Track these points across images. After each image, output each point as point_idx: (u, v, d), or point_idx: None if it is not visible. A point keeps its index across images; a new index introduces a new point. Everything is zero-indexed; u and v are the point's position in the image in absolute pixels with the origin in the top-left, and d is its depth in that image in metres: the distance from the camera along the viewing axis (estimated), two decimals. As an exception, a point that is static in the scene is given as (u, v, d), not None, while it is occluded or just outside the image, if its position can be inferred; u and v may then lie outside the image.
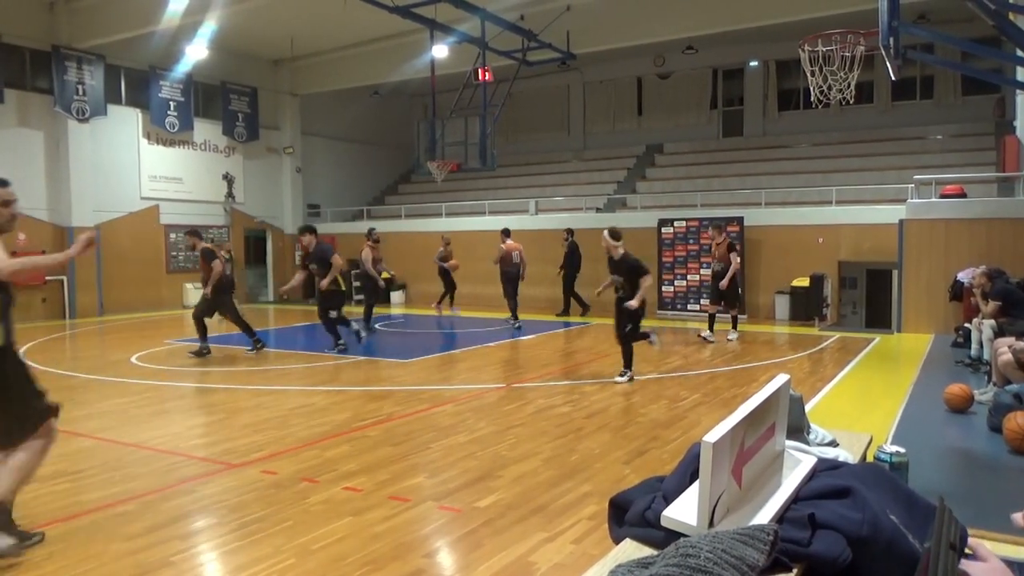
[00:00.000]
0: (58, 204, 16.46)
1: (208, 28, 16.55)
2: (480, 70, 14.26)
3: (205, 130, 19.51)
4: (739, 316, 14.86)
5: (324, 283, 10.27)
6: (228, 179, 20.14)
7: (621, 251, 8.13)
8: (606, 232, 8.24)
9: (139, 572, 3.52)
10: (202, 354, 10.31)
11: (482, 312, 16.21)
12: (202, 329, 10.50)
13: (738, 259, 11.86)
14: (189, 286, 18.77)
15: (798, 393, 2.46)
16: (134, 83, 18.00)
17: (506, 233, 14.37)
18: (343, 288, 10.67)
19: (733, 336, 11.85)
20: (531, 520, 4.12)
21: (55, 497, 4.62)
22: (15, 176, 15.86)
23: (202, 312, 10.58)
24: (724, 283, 11.47)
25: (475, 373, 9.23)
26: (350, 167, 23.96)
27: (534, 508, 4.31)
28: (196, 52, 16.98)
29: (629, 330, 8.25)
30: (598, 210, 18.15)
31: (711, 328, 11.74)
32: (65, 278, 16.45)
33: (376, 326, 13.79)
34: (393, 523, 4.10)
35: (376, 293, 13.94)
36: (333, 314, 10.53)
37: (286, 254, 21.65)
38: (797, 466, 2.06)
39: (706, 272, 15.55)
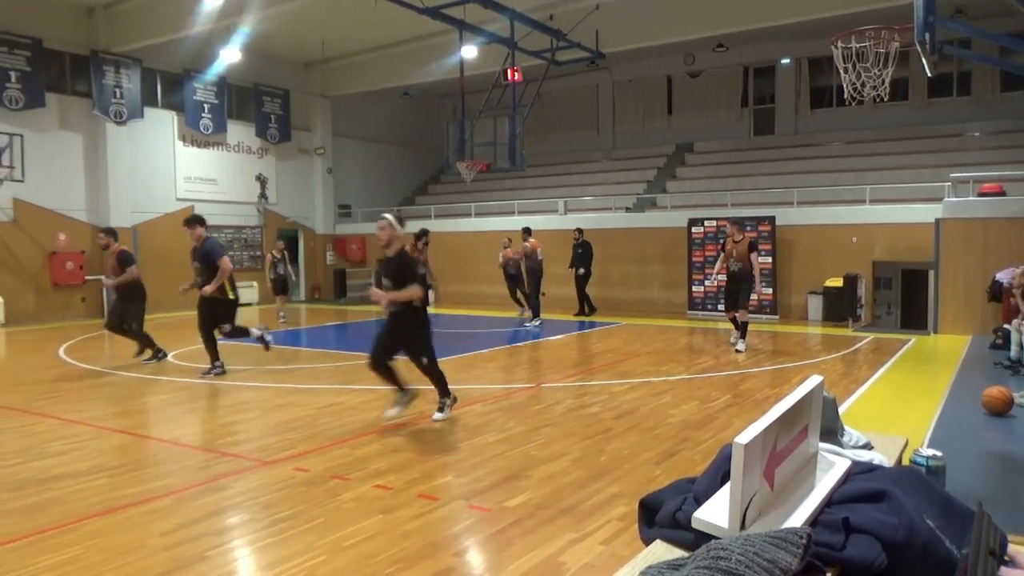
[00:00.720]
0: (97, 205, 16.82)
1: (241, 32, 16.80)
2: (509, 70, 14.28)
3: (238, 132, 19.80)
4: (772, 316, 14.79)
5: (208, 289, 8.87)
6: (261, 180, 20.41)
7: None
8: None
9: (175, 567, 3.58)
10: (158, 358, 10.02)
11: (512, 312, 16.22)
12: (144, 337, 10.06)
13: (759, 260, 10.87)
14: (224, 285, 19.04)
15: (832, 395, 2.43)
16: (169, 86, 18.33)
17: (528, 231, 14.58)
18: (232, 296, 9.18)
19: (742, 346, 10.56)
20: (560, 520, 4.12)
21: (94, 491, 4.72)
22: (56, 178, 16.30)
23: (121, 320, 10.05)
24: (756, 287, 10.55)
25: (504, 373, 9.24)
26: (380, 168, 24.14)
27: (563, 508, 4.30)
28: (229, 55, 17.24)
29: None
30: (627, 210, 18.06)
31: (743, 335, 10.63)
32: (104, 277, 16.77)
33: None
34: (423, 521, 4.13)
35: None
36: (227, 328, 9.01)
37: (317, 254, 21.88)
38: (831, 469, 2.04)
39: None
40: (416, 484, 4.77)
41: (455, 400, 6.76)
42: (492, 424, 6.41)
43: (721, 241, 11.33)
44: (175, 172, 18.39)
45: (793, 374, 8.72)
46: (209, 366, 9.04)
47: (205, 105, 18.76)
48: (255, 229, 20.26)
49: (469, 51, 15.27)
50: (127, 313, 10.02)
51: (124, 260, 9.99)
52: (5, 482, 4.95)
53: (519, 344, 11.66)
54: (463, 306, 18.11)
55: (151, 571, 3.52)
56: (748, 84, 20.53)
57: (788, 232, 14.92)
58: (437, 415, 6.56)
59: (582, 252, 15.37)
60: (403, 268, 6.43)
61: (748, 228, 15.12)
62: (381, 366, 6.39)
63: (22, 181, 15.14)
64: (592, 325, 14.28)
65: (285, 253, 15.22)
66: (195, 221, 9.34)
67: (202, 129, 18.72)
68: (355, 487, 4.73)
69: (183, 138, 18.54)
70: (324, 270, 21.95)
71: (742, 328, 10.59)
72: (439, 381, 6.58)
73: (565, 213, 18.44)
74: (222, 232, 19.34)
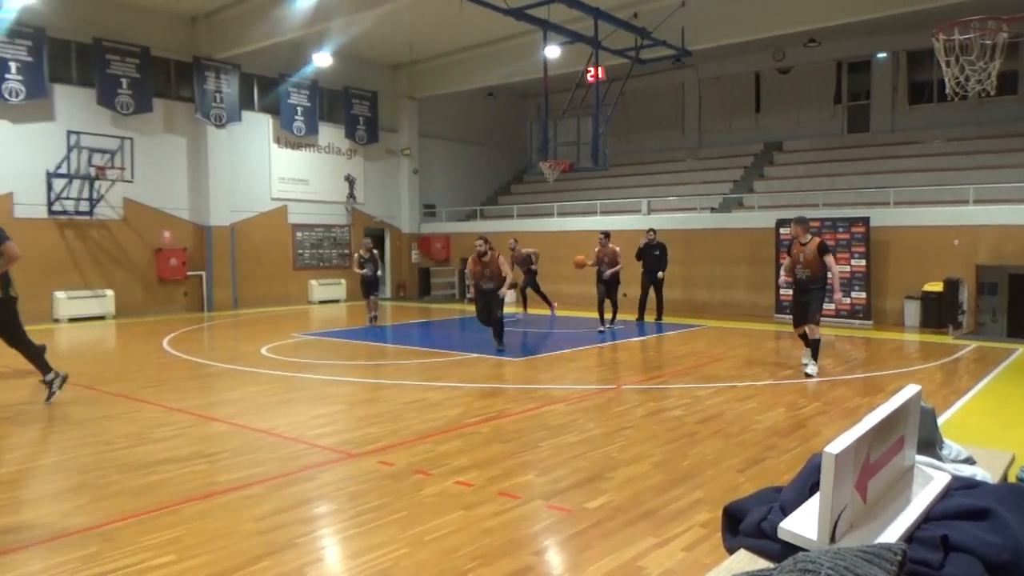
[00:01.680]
0: (198, 204, 17.71)
1: (333, 37, 17.37)
2: (593, 69, 14.21)
3: (329, 133, 20.46)
4: (865, 322, 14.18)
5: None
6: (350, 180, 21.03)
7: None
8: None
9: (266, 551, 3.74)
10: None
11: (593, 312, 16.13)
12: (34, 350, 7.53)
13: (835, 265, 8.81)
14: (314, 282, 19.78)
15: (930, 405, 2.33)
16: (265, 90, 19.12)
17: (608, 236, 13.61)
18: (12, 294, 7.25)
19: (813, 369, 8.80)
20: (641, 524, 4.09)
21: (193, 476, 4.99)
22: (162, 178, 17.15)
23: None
24: (836, 295, 8.75)
25: (585, 373, 9.23)
26: (465, 168, 24.47)
27: (644, 512, 4.27)
28: (321, 60, 17.84)
29: None
30: (713, 210, 17.70)
31: (815, 355, 8.90)
32: (204, 274, 17.68)
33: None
34: (503, 519, 4.17)
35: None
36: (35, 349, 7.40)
37: (403, 253, 22.38)
38: (929, 483, 1.96)
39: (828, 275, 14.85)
40: (497, 482, 4.83)
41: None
42: (573, 425, 6.42)
43: (787, 246, 9.06)
44: (270, 173, 19.17)
45: (887, 382, 8.35)
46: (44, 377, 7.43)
47: (298, 108, 19.47)
48: (343, 228, 20.89)
49: (553, 51, 15.29)
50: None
51: None
52: (115, 465, 5.28)
53: (600, 345, 11.61)
54: (545, 306, 18.14)
55: (245, 555, 3.70)
56: (841, 80, 19.77)
57: (884, 233, 14.30)
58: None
59: (659, 254, 14.56)
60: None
61: (840, 229, 14.63)
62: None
63: (131, 182, 16.10)
64: (678, 327, 14.05)
65: (374, 252, 14.67)
66: None
67: (295, 131, 19.44)
68: (437, 482, 4.83)
69: (277, 140, 19.29)
70: (409, 269, 22.43)
71: (813, 347, 8.88)
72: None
73: (648, 213, 18.22)
74: (313, 231, 20.05)
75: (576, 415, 6.80)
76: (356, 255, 15.03)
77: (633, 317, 14.64)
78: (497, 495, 4.57)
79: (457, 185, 24.23)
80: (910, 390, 1.96)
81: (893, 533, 1.67)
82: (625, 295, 14.59)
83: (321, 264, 20.23)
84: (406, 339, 12.86)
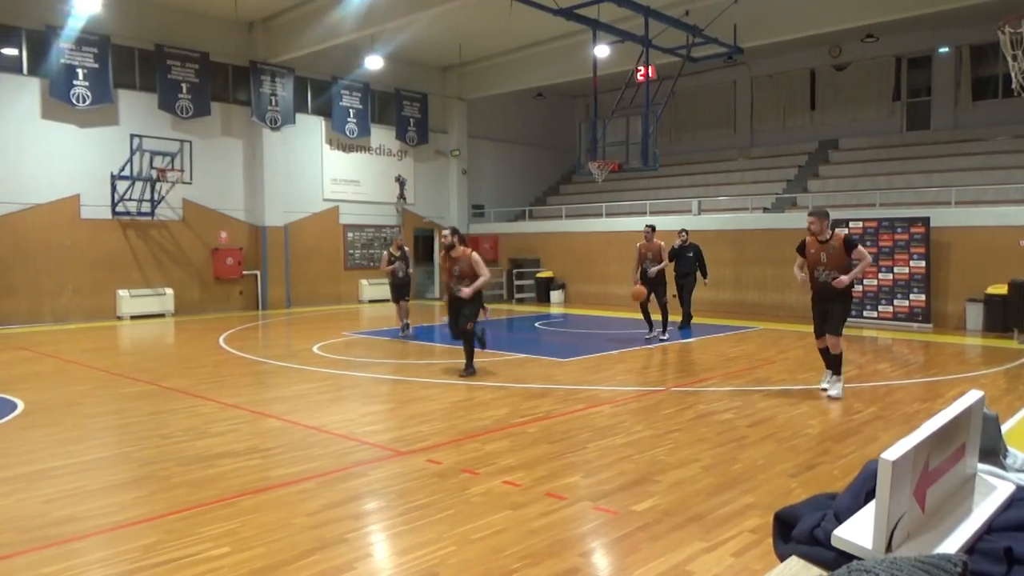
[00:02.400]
0: (253, 205, 18.14)
1: (384, 40, 17.61)
2: (642, 68, 14.10)
3: (380, 135, 20.74)
4: (925, 325, 13.74)
5: None
6: (400, 181, 21.28)
7: None
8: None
9: (318, 545, 3.82)
10: None
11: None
12: None
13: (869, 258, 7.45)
14: (364, 282, 20.07)
15: (993, 412, 2.25)
16: (318, 93, 19.48)
17: (653, 229, 12.44)
18: None
19: (837, 391, 7.51)
20: (689, 528, 4.04)
21: (248, 471, 5.12)
22: (219, 180, 17.56)
23: None
24: (844, 278, 7.22)
25: (633, 375, 9.16)
26: (513, 168, 24.53)
27: (692, 516, 4.22)
28: (373, 62, 18.09)
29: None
30: (765, 210, 17.39)
31: (837, 371, 7.61)
32: (259, 273, 18.10)
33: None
34: (550, 520, 4.17)
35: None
36: None
37: (451, 253, 22.51)
38: (991, 493, 1.89)
39: (885, 277, 14.46)
40: (544, 482, 4.83)
41: None
42: (620, 426, 6.38)
43: (802, 242, 7.59)
44: (322, 174, 19.52)
45: (947, 388, 8.09)
46: None
47: (350, 110, 19.78)
48: (394, 228, 21.14)
49: (602, 50, 15.22)
50: None
51: None
52: (175, 458, 5.45)
53: (649, 347, 11.51)
54: (593, 307, 18.08)
55: (297, 548, 3.77)
56: (901, 76, 19.20)
57: (944, 234, 13.84)
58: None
59: (692, 256, 13.50)
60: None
61: (899, 230, 14.20)
62: None
63: (190, 183, 16.58)
64: (731, 329, 13.83)
65: (404, 249, 13.11)
66: None
67: (348, 133, 19.75)
68: (484, 481, 4.85)
69: (330, 142, 19.64)
70: (457, 268, 22.53)
71: (834, 363, 7.58)
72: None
73: (699, 214, 18.00)
74: (363, 231, 20.37)
75: (623, 417, 6.76)
76: (386, 253, 13.30)
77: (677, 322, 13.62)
78: (544, 495, 4.57)
79: (506, 185, 24.31)
80: (972, 395, 1.90)
81: (953, 544, 1.62)
82: (675, 295, 13.70)
83: (372, 264, 20.51)
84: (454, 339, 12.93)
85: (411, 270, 13.24)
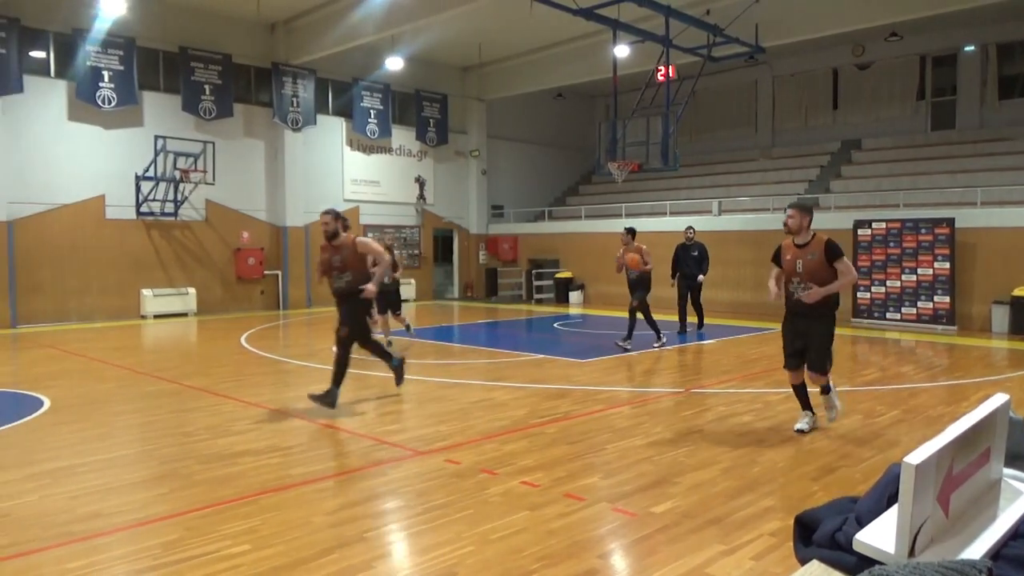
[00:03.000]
0: (275, 206, 18.29)
1: (404, 41, 17.68)
2: (663, 68, 14.03)
3: (400, 136, 20.83)
4: (949, 327, 13.55)
5: None
6: (420, 182, 21.35)
7: None
8: None
9: (338, 544, 3.84)
10: None
11: (662, 315, 15.95)
12: None
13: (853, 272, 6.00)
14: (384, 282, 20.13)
15: (1020, 416, 2.22)
16: (339, 94, 19.59)
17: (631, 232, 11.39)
18: None
19: (832, 414, 6.24)
20: (708, 531, 4.02)
21: (269, 469, 5.16)
22: (241, 181, 17.69)
23: None
24: (819, 290, 5.78)
25: (652, 376, 9.12)
26: (532, 168, 24.53)
27: (712, 519, 4.19)
28: (393, 63, 18.17)
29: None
30: (786, 211, 17.23)
31: (831, 405, 6.21)
32: (280, 272, 18.24)
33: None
34: (568, 521, 4.16)
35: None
36: None
37: (471, 253, 22.58)
38: (1017, 498, 1.86)
39: (909, 279, 14.26)
40: (562, 483, 4.82)
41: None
42: (639, 428, 6.35)
43: (778, 248, 6.17)
44: (343, 175, 19.64)
45: (972, 391, 7.97)
46: None
47: (371, 111, 19.88)
48: (414, 229, 21.23)
49: (622, 50, 15.18)
50: None
51: None
52: (196, 455, 5.51)
53: (669, 348, 11.45)
54: (612, 307, 18.02)
55: (317, 546, 3.80)
56: (925, 75, 18.96)
57: (970, 235, 13.64)
58: None
59: (698, 255, 12.97)
60: None
61: (923, 231, 14.01)
62: None
63: (213, 184, 16.74)
64: (749, 331, 13.73)
65: (393, 250, 11.29)
66: None
67: (369, 134, 19.86)
68: (503, 482, 4.85)
69: (350, 143, 19.75)
70: (476, 269, 22.61)
71: (827, 398, 6.14)
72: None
73: (719, 214, 17.89)
74: (384, 231, 20.45)
75: (642, 418, 6.73)
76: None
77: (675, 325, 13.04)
78: (562, 496, 4.56)
79: (525, 186, 24.30)
80: (998, 399, 1.87)
81: (977, 549, 1.60)
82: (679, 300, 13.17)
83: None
84: (473, 339, 12.96)
85: (398, 273, 11.13)
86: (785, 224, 6.10)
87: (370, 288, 7.13)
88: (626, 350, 10.74)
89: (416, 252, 21.19)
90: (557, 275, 20.33)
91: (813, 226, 6.23)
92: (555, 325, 14.58)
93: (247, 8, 16.38)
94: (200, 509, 4.35)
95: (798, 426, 6.16)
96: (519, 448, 5.68)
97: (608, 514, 4.28)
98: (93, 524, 4.13)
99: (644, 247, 11.16)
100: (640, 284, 11.10)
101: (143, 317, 15.95)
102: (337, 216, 7.32)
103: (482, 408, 7.13)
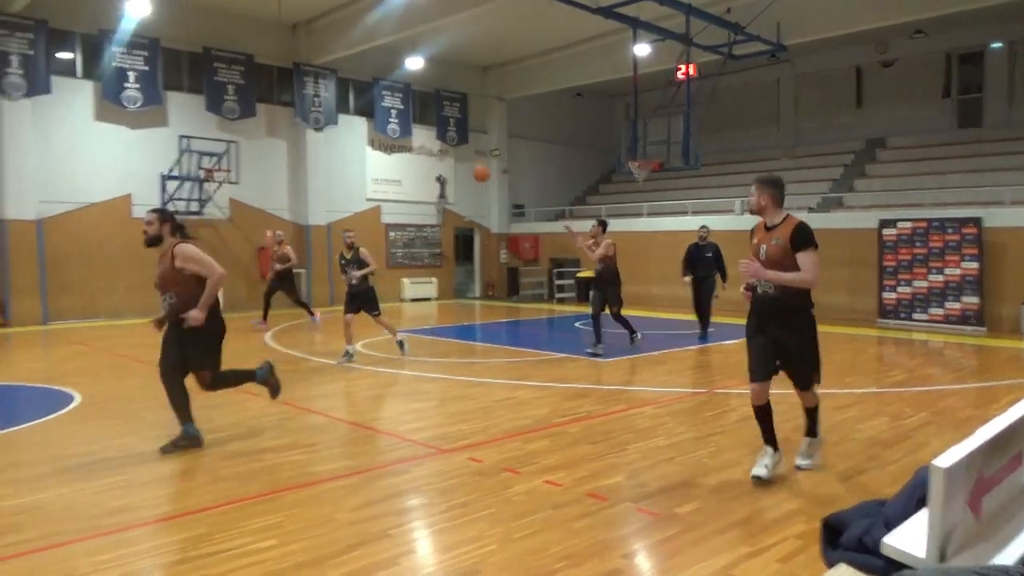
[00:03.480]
0: (297, 205, 18.44)
1: (425, 41, 17.74)
2: (683, 67, 13.95)
3: (421, 135, 20.90)
4: (978, 328, 13.34)
5: None
6: (440, 181, 21.41)
7: None
8: None
9: (361, 540, 3.87)
10: None
11: (681, 314, 15.88)
12: None
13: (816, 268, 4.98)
14: (406, 281, 20.25)
15: (1051, 420, 2.19)
16: (360, 94, 19.71)
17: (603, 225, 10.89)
18: None
19: (807, 461, 5.17)
20: (733, 532, 4.00)
21: (292, 466, 5.21)
22: (264, 180, 17.77)
23: None
24: (753, 269, 4.84)
25: (675, 376, 9.09)
26: (553, 168, 24.50)
27: (736, 520, 4.17)
28: (414, 63, 18.23)
29: None
30: (810, 210, 17.07)
31: (813, 430, 5.25)
32: (304, 271, 18.38)
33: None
34: (591, 520, 4.17)
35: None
36: None
37: (492, 253, 22.61)
38: (1049, 503, 1.84)
39: (936, 279, 14.07)
40: (585, 482, 4.82)
41: None
42: (662, 428, 6.34)
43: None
44: (364, 174, 19.75)
45: (1003, 393, 7.85)
46: None
47: (392, 111, 19.97)
48: (435, 228, 21.30)
49: (642, 49, 15.11)
50: None
51: None
52: (221, 452, 5.58)
53: (690, 348, 11.40)
54: (633, 307, 17.94)
55: (340, 543, 3.83)
56: (951, 72, 18.69)
57: (998, 235, 13.43)
58: None
59: (712, 256, 12.15)
60: None
61: (949, 230, 13.81)
62: None
63: (236, 183, 16.91)
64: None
65: (360, 250, 9.93)
66: None
67: (390, 133, 19.96)
68: (526, 481, 4.87)
69: (371, 142, 19.86)
70: (498, 268, 22.63)
71: (810, 417, 5.21)
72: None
73: (742, 213, 17.74)
74: (405, 230, 20.55)
75: (665, 418, 6.71)
76: (338, 255, 10.67)
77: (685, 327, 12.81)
78: (585, 496, 4.56)
79: (546, 185, 24.28)
80: (1029, 403, 1.85)
81: (1011, 555, 1.58)
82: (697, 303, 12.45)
83: (413, 263, 20.70)
84: (495, 338, 12.99)
85: (368, 271, 9.92)
86: (748, 203, 5.25)
87: (194, 315, 5.31)
88: (597, 355, 10.17)
89: (438, 251, 21.26)
90: (578, 275, 20.28)
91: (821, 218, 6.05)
92: (576, 324, 14.55)
93: (269, 9, 16.52)
94: (225, 504, 4.41)
95: (755, 471, 4.79)
96: (542, 447, 5.69)
97: (632, 514, 4.28)
98: (122, 518, 4.20)
99: (610, 242, 10.45)
100: (606, 280, 10.47)
101: (168, 315, 16.13)
102: (165, 217, 5.73)
103: (504, 407, 7.15)
